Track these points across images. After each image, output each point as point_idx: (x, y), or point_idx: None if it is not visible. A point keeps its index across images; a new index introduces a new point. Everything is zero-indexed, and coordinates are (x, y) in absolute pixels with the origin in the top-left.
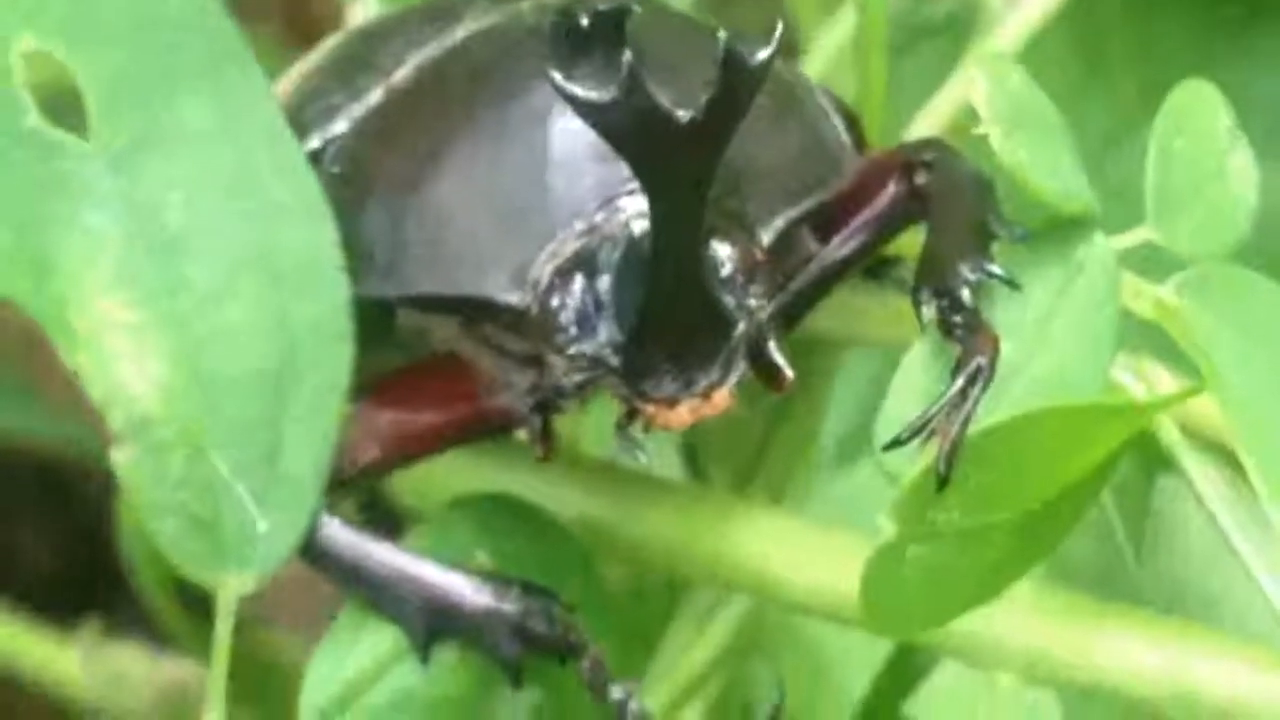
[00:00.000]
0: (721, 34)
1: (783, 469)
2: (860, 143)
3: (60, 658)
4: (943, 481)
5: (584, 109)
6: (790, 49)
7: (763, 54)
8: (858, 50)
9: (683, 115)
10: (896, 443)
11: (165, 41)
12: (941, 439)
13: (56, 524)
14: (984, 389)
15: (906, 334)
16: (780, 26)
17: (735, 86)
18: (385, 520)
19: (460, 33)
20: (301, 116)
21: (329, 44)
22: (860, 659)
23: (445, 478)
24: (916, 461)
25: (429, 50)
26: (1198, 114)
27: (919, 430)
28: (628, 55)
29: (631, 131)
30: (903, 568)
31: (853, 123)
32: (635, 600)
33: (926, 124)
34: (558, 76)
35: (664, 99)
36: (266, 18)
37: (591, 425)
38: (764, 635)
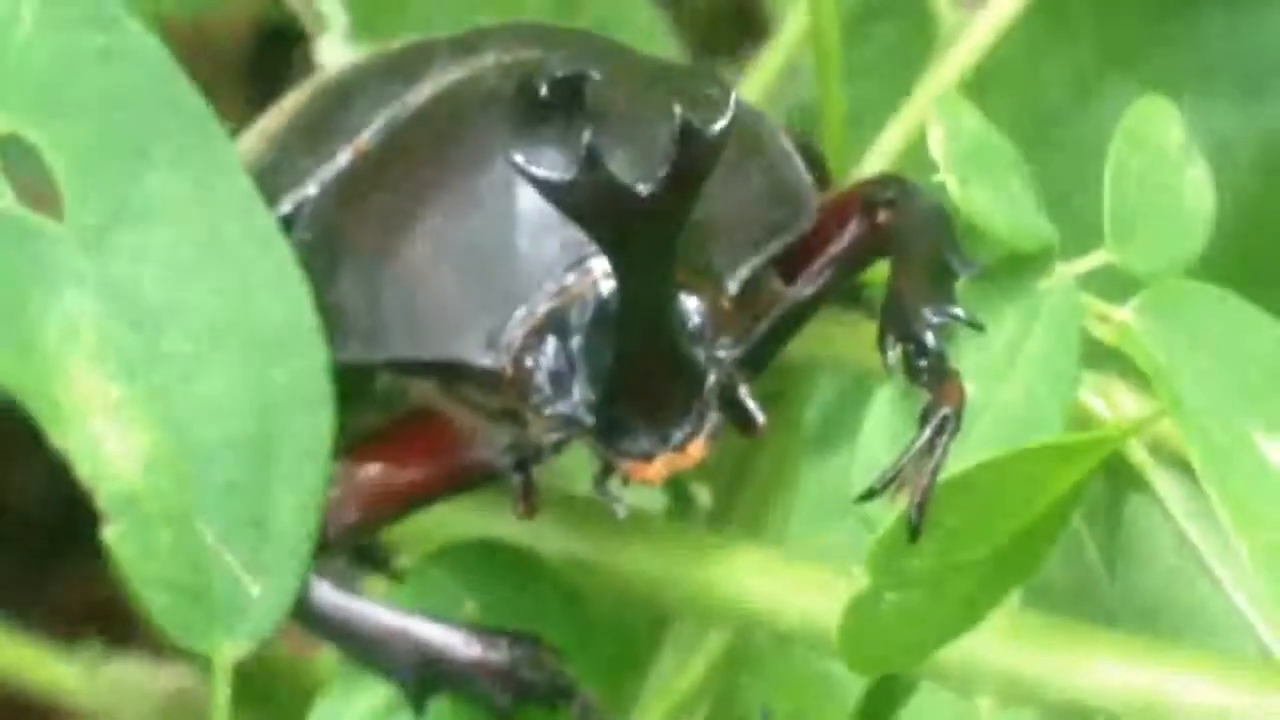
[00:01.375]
0: (677, 109)
1: (762, 493)
2: (823, 178)
3: (62, 670)
4: (914, 532)
5: (544, 189)
6: (757, 31)
7: (719, 126)
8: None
9: (643, 190)
10: (869, 494)
11: (132, 117)
12: (912, 490)
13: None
14: (951, 438)
15: (876, 357)
16: (734, 97)
17: (693, 158)
18: (379, 563)
19: (424, 92)
20: (271, 181)
21: (291, 102)
22: (845, 679)
23: (429, 525)
24: (890, 507)
25: (394, 111)
26: (1152, 130)
27: (889, 481)
28: (587, 133)
29: (593, 209)
30: (879, 613)
31: (814, 159)
32: (621, 629)
33: (885, 147)
34: (518, 158)
35: (624, 174)
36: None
37: (570, 462)
38: (750, 657)
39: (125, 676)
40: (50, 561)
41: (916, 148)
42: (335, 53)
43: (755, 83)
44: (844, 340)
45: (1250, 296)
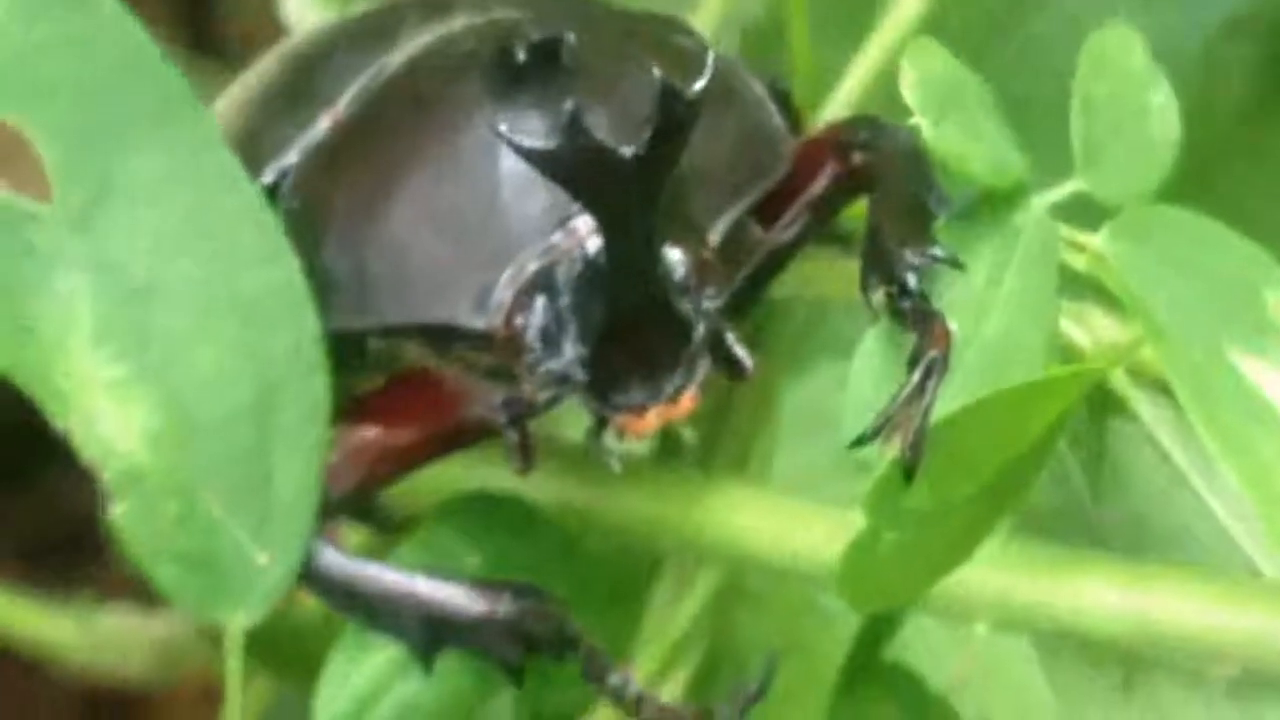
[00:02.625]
0: (655, 72)
1: (746, 427)
2: (796, 122)
3: (54, 623)
4: (909, 474)
5: (528, 155)
6: None
7: (698, 85)
8: None
9: (625, 153)
10: (860, 440)
11: (111, 98)
12: (904, 433)
13: None
14: (940, 380)
15: (854, 292)
16: (711, 54)
17: (674, 119)
18: (379, 520)
19: (399, 56)
20: (251, 151)
21: (264, 69)
22: (840, 609)
23: (425, 481)
24: (883, 450)
25: (370, 76)
26: (1115, 56)
27: (881, 427)
28: (568, 101)
29: (577, 173)
30: (876, 553)
31: (785, 101)
32: (617, 572)
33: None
34: (502, 127)
35: (606, 138)
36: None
37: (563, 411)
38: (746, 592)
39: (118, 627)
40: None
41: (885, 76)
42: (301, 11)
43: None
44: (821, 276)
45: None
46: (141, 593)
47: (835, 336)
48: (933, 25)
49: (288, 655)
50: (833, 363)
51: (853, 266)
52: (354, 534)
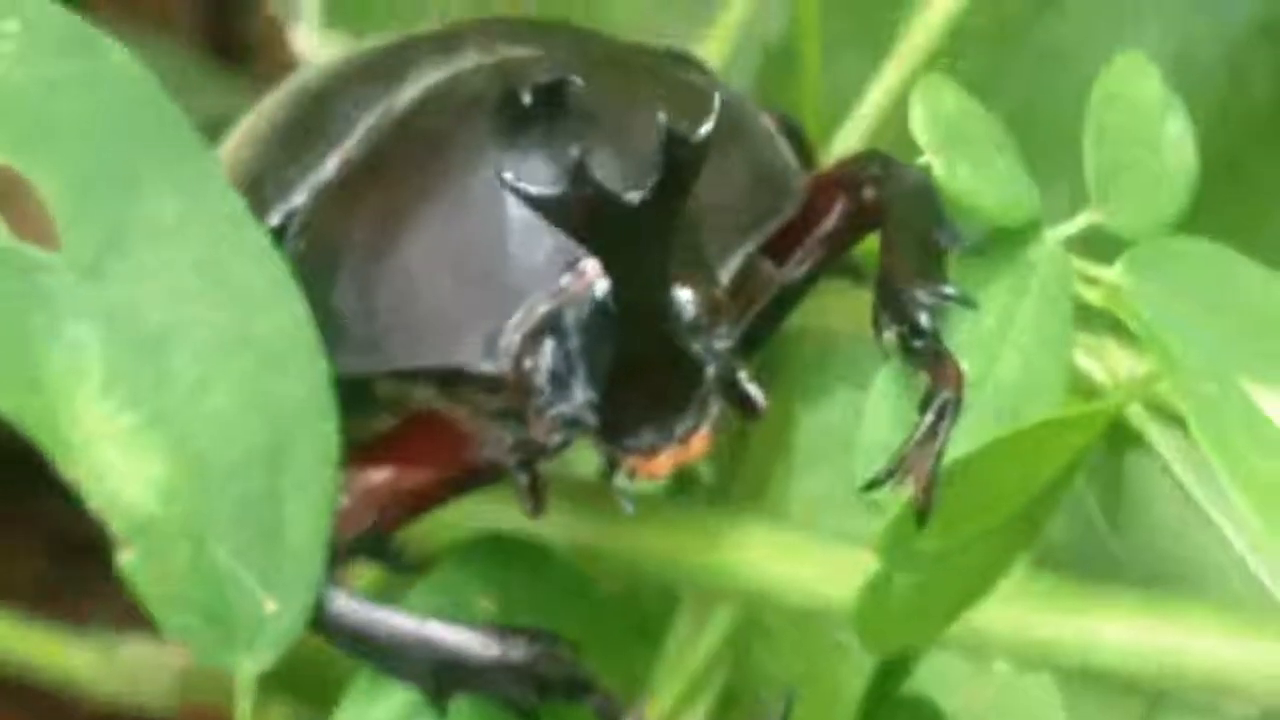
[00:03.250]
0: (660, 117)
1: (761, 461)
2: (807, 156)
3: (75, 655)
4: (922, 517)
5: (533, 202)
6: None
7: (704, 130)
8: None
9: (632, 199)
10: (875, 483)
11: (119, 142)
12: (917, 476)
13: None
14: (953, 422)
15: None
16: (718, 95)
17: (680, 164)
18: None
19: (407, 96)
20: (258, 192)
21: (270, 106)
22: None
23: (441, 520)
24: (896, 492)
25: (378, 117)
26: (1130, 85)
27: (893, 470)
28: (574, 148)
29: (582, 221)
30: (890, 594)
31: (795, 135)
32: (632, 610)
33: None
34: (508, 175)
35: (612, 184)
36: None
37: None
38: (762, 628)
39: (139, 656)
40: (12, 503)
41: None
42: (310, 41)
43: (725, 21)
44: (832, 310)
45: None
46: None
47: (847, 365)
48: (952, 34)
49: (305, 679)
50: (845, 391)
51: (863, 298)
52: (366, 572)
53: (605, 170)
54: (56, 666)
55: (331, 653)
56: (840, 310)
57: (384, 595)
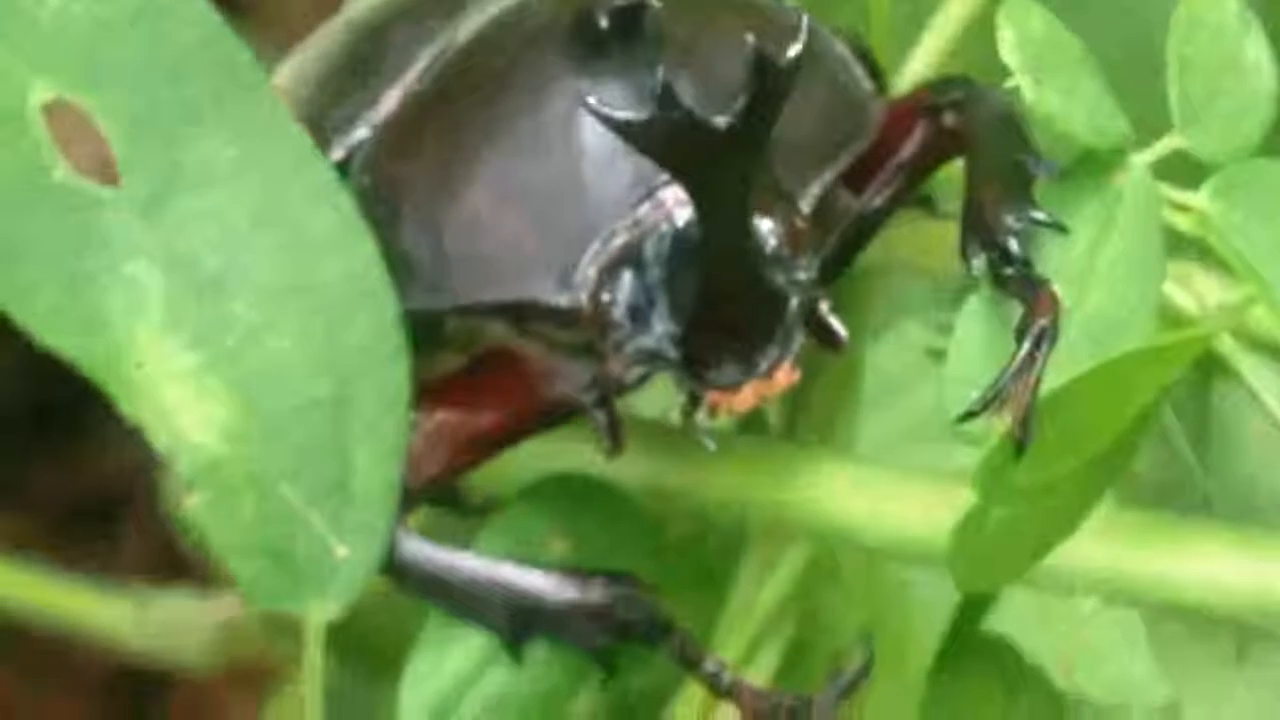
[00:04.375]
0: (749, 38)
1: (832, 399)
2: (882, 84)
3: (111, 611)
4: (1019, 448)
5: (617, 128)
6: None
7: (792, 53)
8: None
9: (720, 123)
10: (970, 415)
11: (177, 79)
12: (1015, 406)
13: None
14: (1050, 350)
15: (939, 260)
16: (804, 20)
17: (770, 88)
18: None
19: (471, 25)
20: (319, 126)
21: (324, 40)
22: (926, 586)
23: (507, 463)
24: (993, 424)
25: (442, 46)
26: (1208, 13)
27: (990, 401)
28: (660, 69)
29: (670, 145)
30: (985, 529)
31: (872, 65)
32: (699, 553)
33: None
34: (592, 100)
35: (697, 107)
36: None
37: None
38: (832, 571)
39: (175, 612)
40: (27, 457)
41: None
42: None
43: None
44: (908, 243)
45: None
46: (164, 567)
47: (914, 300)
48: None
49: (352, 644)
50: (913, 327)
51: (933, 231)
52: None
53: (688, 94)
54: (92, 620)
55: (377, 619)
56: (909, 243)
57: (437, 538)
